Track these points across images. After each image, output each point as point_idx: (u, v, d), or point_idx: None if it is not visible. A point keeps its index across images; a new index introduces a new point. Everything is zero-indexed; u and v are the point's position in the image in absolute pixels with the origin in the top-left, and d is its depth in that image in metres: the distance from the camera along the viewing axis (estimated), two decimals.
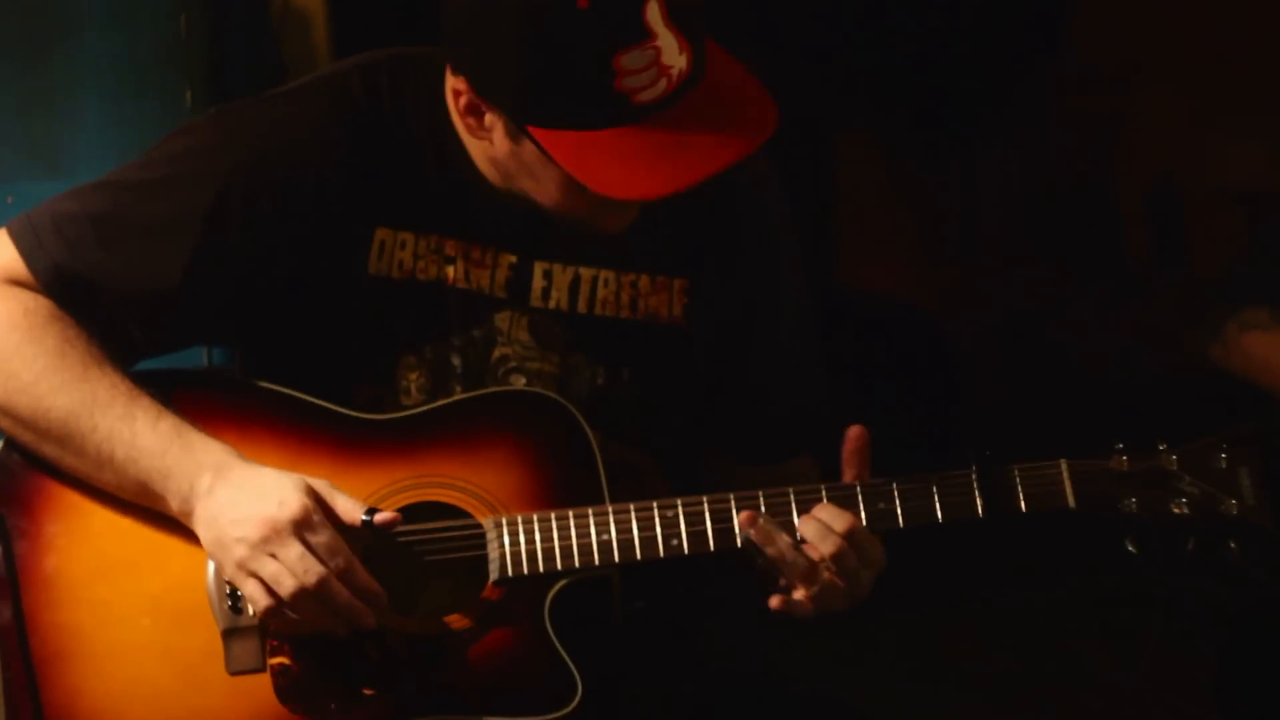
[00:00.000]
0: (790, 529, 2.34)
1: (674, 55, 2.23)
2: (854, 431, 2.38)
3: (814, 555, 2.32)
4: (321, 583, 2.25)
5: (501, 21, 2.24)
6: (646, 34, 2.20)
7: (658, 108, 2.24)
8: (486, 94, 2.31)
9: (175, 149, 2.45)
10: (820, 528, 2.33)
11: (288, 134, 2.43)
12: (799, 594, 2.33)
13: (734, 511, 2.35)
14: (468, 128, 2.38)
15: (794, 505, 2.37)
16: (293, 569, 2.25)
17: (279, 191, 2.41)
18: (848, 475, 2.39)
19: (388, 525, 2.30)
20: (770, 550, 2.32)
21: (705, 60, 2.28)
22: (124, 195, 2.41)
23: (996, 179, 4.44)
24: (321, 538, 2.26)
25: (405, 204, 2.45)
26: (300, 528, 2.25)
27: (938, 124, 4.41)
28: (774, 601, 2.34)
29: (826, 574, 2.32)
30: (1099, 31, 4.29)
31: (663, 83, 2.23)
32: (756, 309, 2.58)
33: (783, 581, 2.34)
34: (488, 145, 2.37)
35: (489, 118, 2.34)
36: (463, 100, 2.35)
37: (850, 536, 2.33)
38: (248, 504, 2.27)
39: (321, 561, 2.26)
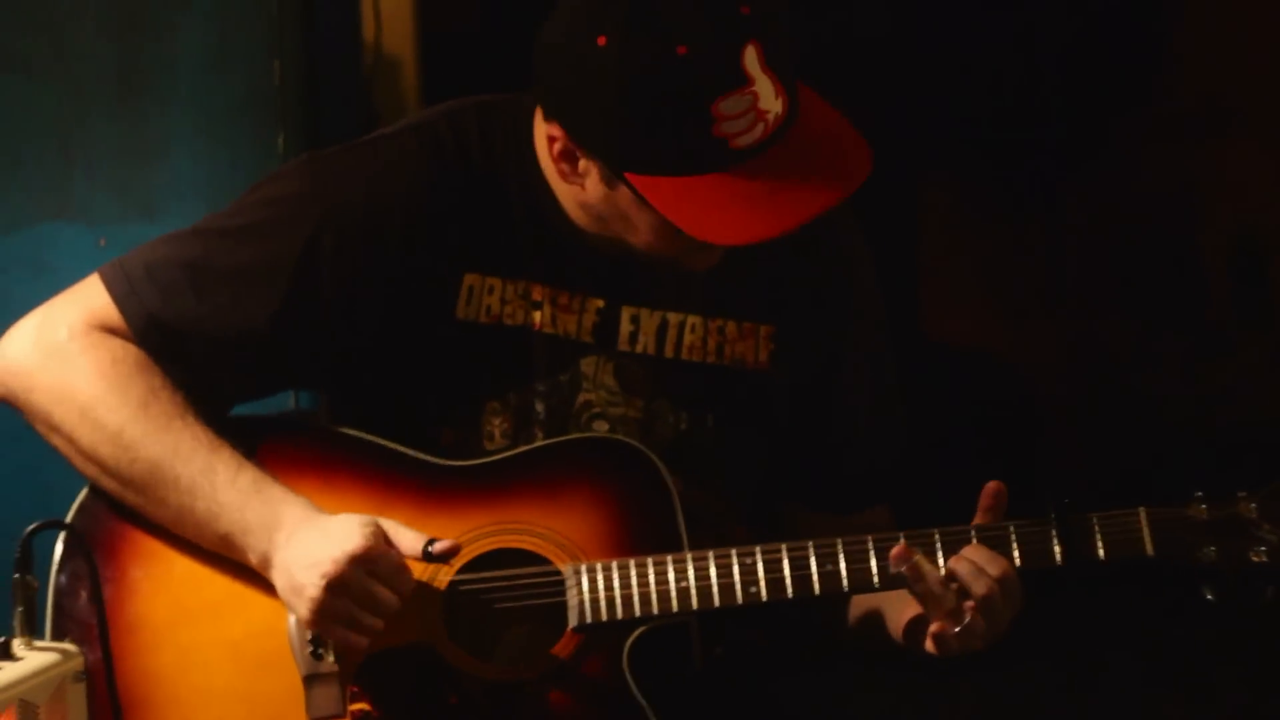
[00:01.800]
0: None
1: (770, 100, 2.24)
2: (995, 488, 2.37)
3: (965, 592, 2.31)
4: (390, 609, 2.29)
5: (600, 68, 2.25)
6: (745, 79, 2.22)
7: (754, 153, 2.26)
8: (582, 140, 2.33)
9: (266, 196, 2.49)
10: (973, 568, 2.31)
11: (377, 181, 2.46)
12: (937, 627, 2.31)
13: (812, 559, 2.35)
14: (561, 173, 2.39)
15: (939, 545, 2.35)
16: (363, 603, 2.28)
17: (368, 238, 2.44)
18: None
19: (447, 553, 2.32)
20: (919, 586, 2.30)
21: (799, 103, 2.29)
22: (216, 242, 2.45)
23: (1081, 229, 4.41)
24: (385, 566, 2.29)
25: (494, 250, 2.48)
26: (363, 561, 2.27)
27: (1022, 173, 4.39)
28: (929, 643, 2.33)
29: (969, 613, 2.31)
30: (1186, 82, 4.26)
31: (759, 127, 2.25)
32: (840, 357, 2.59)
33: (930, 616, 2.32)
34: (579, 190, 2.39)
35: (584, 163, 2.35)
36: (557, 146, 2.36)
37: (1003, 580, 2.32)
38: (316, 549, 2.29)
39: (392, 589, 2.29)
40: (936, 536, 2.36)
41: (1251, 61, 4.28)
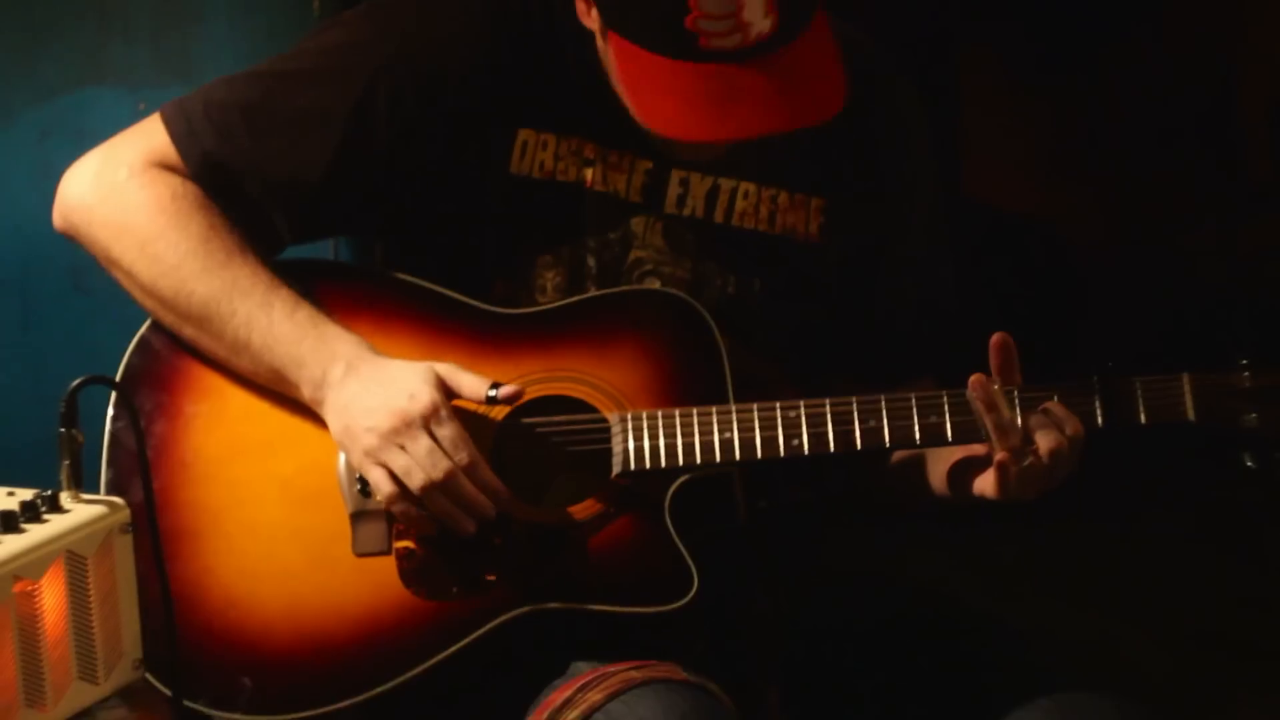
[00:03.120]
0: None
1: (756, 14, 2.24)
2: (999, 338, 2.36)
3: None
4: (449, 476, 2.30)
5: None
6: None
7: (725, 57, 2.25)
8: None
9: (326, 42, 2.50)
10: (1048, 422, 2.32)
11: (436, 33, 2.47)
12: (1003, 457, 2.30)
13: (855, 415, 2.36)
14: (579, 13, 2.40)
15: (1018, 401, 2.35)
16: (420, 462, 2.30)
17: (425, 89, 2.45)
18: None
19: (511, 397, 2.34)
20: (990, 416, 2.30)
21: (797, 29, 2.28)
22: (274, 85, 2.46)
23: (1120, 91, 4.38)
24: (449, 431, 2.30)
25: (549, 106, 2.48)
26: (429, 421, 2.30)
27: (1060, 38, 4.37)
28: (987, 478, 2.34)
29: (1032, 457, 2.31)
30: None
31: (736, 36, 2.24)
32: (892, 231, 2.59)
33: (990, 452, 2.32)
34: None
35: (593, 11, 2.37)
36: None
37: (1074, 440, 2.32)
38: (379, 395, 2.31)
39: (448, 456, 2.30)
40: (1016, 394, 2.35)
41: None
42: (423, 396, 2.30)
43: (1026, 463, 2.31)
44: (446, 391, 2.33)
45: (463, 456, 2.30)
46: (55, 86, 3.21)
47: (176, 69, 3.25)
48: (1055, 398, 2.35)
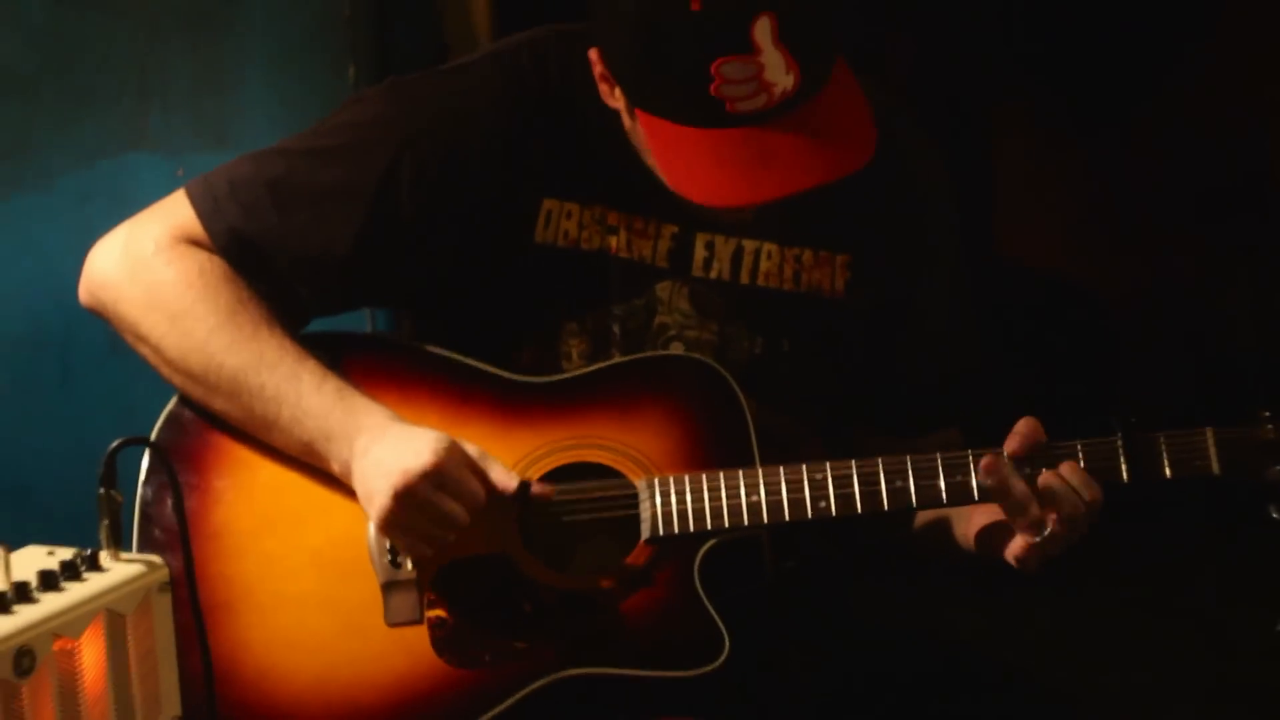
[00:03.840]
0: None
1: (778, 73, 2.25)
2: (1027, 425, 2.37)
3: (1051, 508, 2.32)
4: (459, 520, 2.32)
5: (626, 7, 2.29)
6: (750, 48, 2.23)
7: (754, 120, 2.26)
8: (609, 68, 2.37)
9: (350, 118, 2.52)
10: (1068, 490, 2.33)
11: (460, 107, 2.49)
12: (1022, 542, 2.33)
13: (882, 475, 2.37)
14: (603, 95, 2.42)
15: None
16: (428, 515, 2.31)
17: (450, 163, 2.47)
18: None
19: (542, 498, 2.36)
20: (1006, 501, 2.32)
21: (819, 82, 2.29)
22: (299, 161, 2.49)
23: (1153, 151, 4.39)
24: (456, 485, 2.31)
25: (572, 175, 2.51)
26: (432, 476, 2.30)
27: (1094, 97, 4.38)
28: (1014, 549, 2.35)
29: (1053, 525, 2.32)
30: (1260, 9, 4.23)
31: (762, 97, 2.25)
32: (916, 282, 2.60)
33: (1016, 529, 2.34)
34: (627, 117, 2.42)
35: (617, 90, 2.39)
36: (597, 70, 2.40)
37: (1092, 505, 2.33)
38: (391, 458, 2.32)
39: (463, 504, 2.32)
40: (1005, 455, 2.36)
41: None
42: (426, 453, 2.30)
43: (1047, 533, 2.32)
44: (471, 467, 2.34)
45: (475, 501, 2.32)
46: (95, 152, 3.24)
47: (215, 135, 3.29)
48: (1080, 451, 2.36)
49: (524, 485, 2.36)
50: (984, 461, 2.33)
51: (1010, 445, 2.36)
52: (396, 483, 2.29)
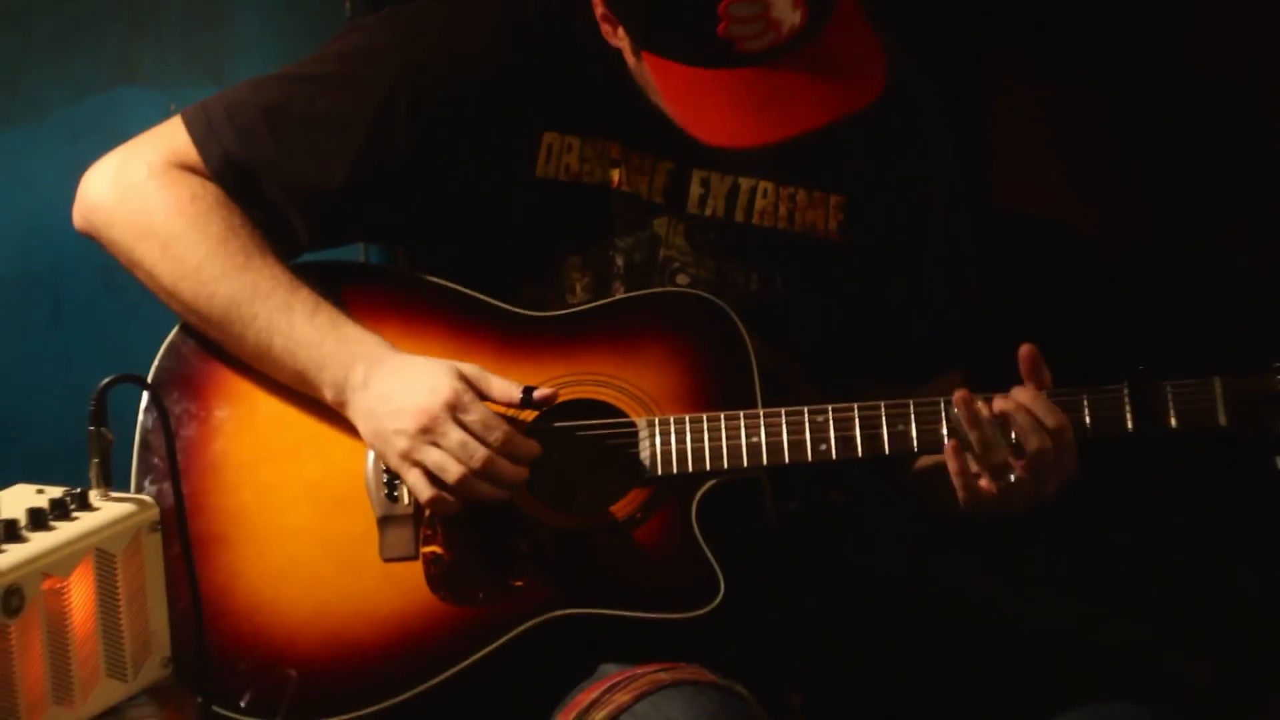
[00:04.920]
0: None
1: (786, 10, 2.23)
2: (1026, 351, 2.35)
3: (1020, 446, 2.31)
4: (486, 462, 2.30)
5: None
6: None
7: (763, 59, 2.25)
8: (615, 10, 2.35)
9: (348, 46, 2.50)
10: (1031, 421, 2.31)
11: (457, 38, 2.47)
12: (985, 483, 2.32)
13: (884, 419, 2.36)
14: (605, 34, 2.40)
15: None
16: (456, 454, 2.30)
17: (446, 94, 2.45)
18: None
19: (546, 401, 2.34)
20: (973, 434, 2.30)
21: (827, 17, 2.27)
22: (296, 88, 2.46)
23: (1151, 102, 4.38)
24: (476, 415, 2.30)
25: (573, 108, 2.48)
26: (454, 410, 2.30)
27: (1092, 45, 4.36)
28: (960, 493, 2.33)
29: (1019, 468, 2.31)
30: None
31: (770, 35, 2.23)
32: (911, 227, 2.59)
33: (973, 468, 2.32)
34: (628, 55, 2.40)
35: (620, 30, 2.37)
36: (599, 10, 2.38)
37: (1058, 435, 2.31)
38: (402, 395, 2.31)
39: (481, 440, 2.30)
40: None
41: None
42: (443, 388, 2.30)
43: (1013, 479, 2.30)
44: (471, 384, 2.33)
45: (497, 435, 2.30)
46: (87, 86, 3.22)
47: (208, 69, 3.27)
48: (1085, 400, 2.34)
49: (527, 391, 2.33)
50: (955, 395, 2.31)
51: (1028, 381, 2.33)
52: (419, 423, 2.29)
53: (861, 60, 2.30)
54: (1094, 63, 4.43)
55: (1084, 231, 4.46)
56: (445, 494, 2.31)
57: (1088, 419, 2.35)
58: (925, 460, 2.48)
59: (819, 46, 2.26)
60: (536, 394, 2.33)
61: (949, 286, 2.62)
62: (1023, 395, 2.33)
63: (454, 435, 2.29)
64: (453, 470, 2.30)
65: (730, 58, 2.24)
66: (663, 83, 2.32)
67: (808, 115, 2.26)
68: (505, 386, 2.34)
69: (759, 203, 2.53)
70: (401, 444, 2.31)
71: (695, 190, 2.53)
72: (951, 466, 2.32)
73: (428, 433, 2.30)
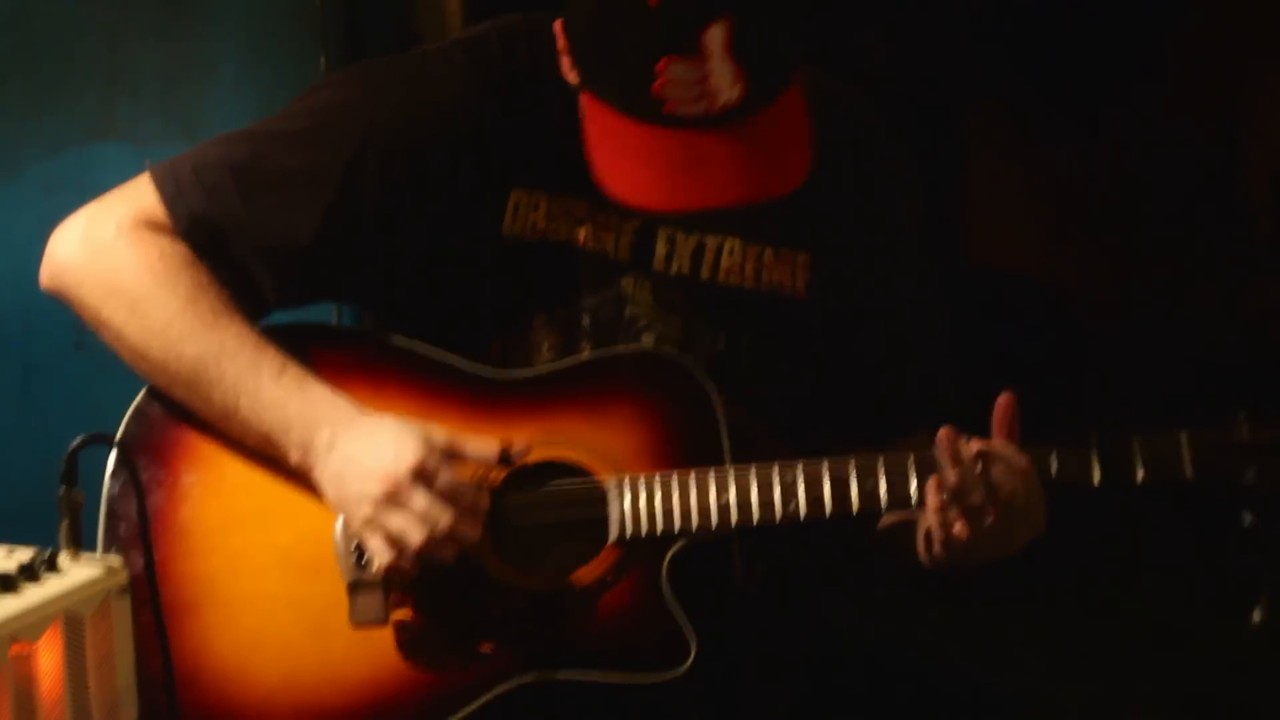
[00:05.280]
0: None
1: (724, 83, 2.22)
2: (1004, 399, 2.35)
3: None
4: (450, 526, 2.29)
5: None
6: (697, 53, 2.20)
7: (691, 124, 2.24)
8: (568, 36, 2.35)
9: (316, 103, 2.49)
10: (1003, 466, 2.30)
11: (426, 95, 2.47)
12: (959, 526, 2.29)
13: (853, 476, 2.35)
14: (564, 69, 2.40)
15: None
16: (422, 518, 2.29)
17: (414, 152, 2.45)
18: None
19: (523, 453, 2.34)
20: (953, 472, 2.28)
21: (766, 99, 2.26)
22: (264, 146, 2.46)
23: (1123, 151, 4.40)
24: (442, 481, 2.30)
25: (539, 165, 2.48)
26: (419, 476, 2.29)
27: (1066, 97, 4.38)
28: (927, 544, 2.33)
29: (990, 517, 2.29)
30: (1226, 8, 4.24)
31: (703, 104, 2.23)
32: (879, 285, 2.58)
33: (939, 519, 2.31)
34: None
35: (575, 67, 2.37)
36: (560, 42, 2.38)
37: (1025, 476, 2.30)
38: (368, 459, 2.31)
39: (446, 505, 2.30)
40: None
41: None
42: (409, 453, 2.29)
43: (988, 520, 2.29)
44: (446, 454, 2.32)
45: (465, 500, 2.30)
46: (62, 142, 3.22)
47: (184, 125, 3.27)
48: (1053, 453, 2.34)
49: (504, 450, 2.34)
50: (942, 431, 2.30)
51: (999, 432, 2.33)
52: (384, 489, 2.28)
53: (789, 150, 2.30)
54: (1069, 115, 4.44)
55: (1054, 285, 4.47)
56: (404, 559, 2.31)
57: (1054, 470, 2.34)
58: (890, 517, 2.48)
59: (751, 126, 2.25)
60: (514, 449, 2.34)
61: (918, 345, 2.62)
62: (993, 440, 2.33)
63: (419, 501, 2.29)
64: (415, 536, 2.29)
65: (658, 116, 2.24)
66: (591, 125, 2.32)
67: (720, 192, 2.26)
68: (481, 446, 2.34)
69: (725, 260, 2.53)
70: (365, 509, 2.30)
71: (661, 248, 2.52)
72: (929, 503, 2.31)
73: (392, 498, 2.29)
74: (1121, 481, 2.35)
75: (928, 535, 2.36)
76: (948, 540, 2.31)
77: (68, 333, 3.04)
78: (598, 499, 2.38)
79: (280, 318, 2.52)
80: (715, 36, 2.20)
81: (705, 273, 2.53)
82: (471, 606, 2.36)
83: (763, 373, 2.53)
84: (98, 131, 3.25)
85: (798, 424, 2.57)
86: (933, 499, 2.30)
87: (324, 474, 2.35)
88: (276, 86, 3.29)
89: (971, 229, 4.41)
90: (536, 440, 2.40)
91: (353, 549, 2.36)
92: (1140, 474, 2.35)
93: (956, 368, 2.64)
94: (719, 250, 2.53)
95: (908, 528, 2.47)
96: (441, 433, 2.34)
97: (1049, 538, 2.36)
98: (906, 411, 2.60)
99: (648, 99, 2.23)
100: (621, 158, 2.29)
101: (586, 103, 2.33)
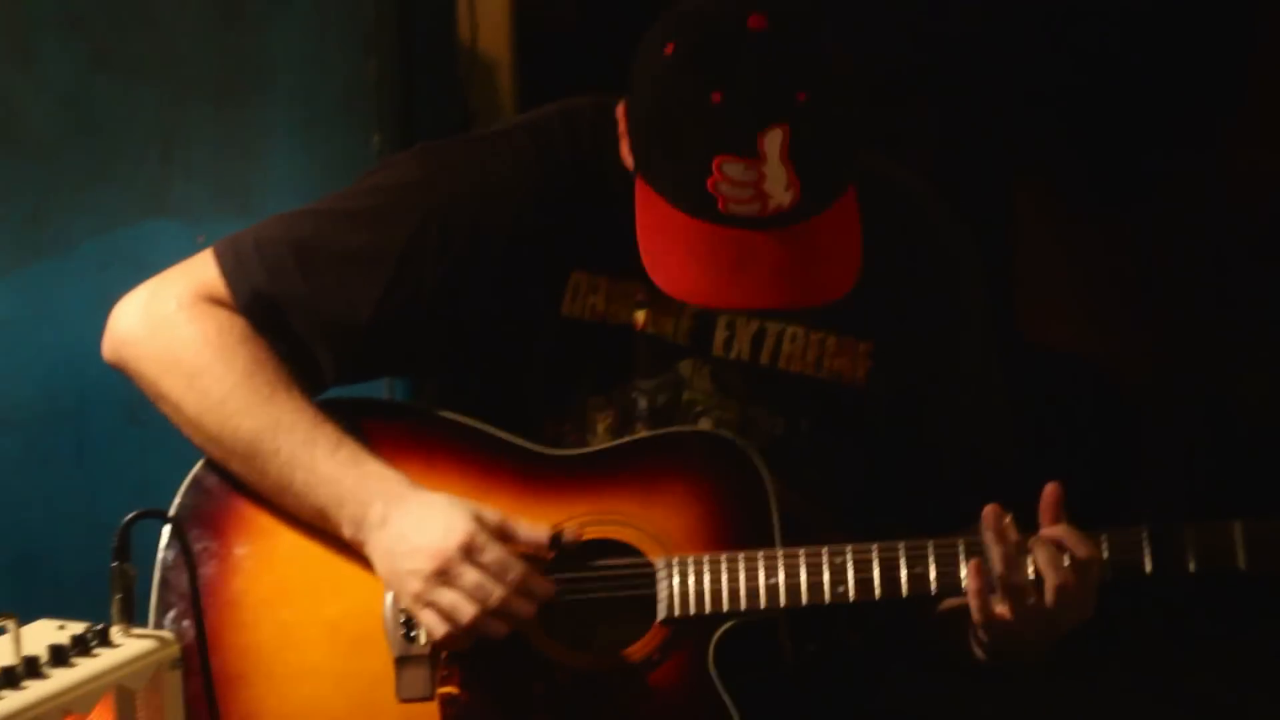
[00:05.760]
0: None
1: (778, 187, 2.24)
2: (1051, 487, 2.34)
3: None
4: (502, 603, 2.30)
5: (652, 71, 2.30)
6: (755, 154, 2.22)
7: (742, 224, 2.26)
8: (630, 122, 2.38)
9: (379, 182, 2.52)
10: (1053, 554, 2.29)
11: (489, 176, 2.49)
12: (1001, 607, 2.28)
13: (902, 560, 2.35)
14: (624, 153, 2.42)
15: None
16: (470, 595, 2.30)
17: (476, 233, 2.47)
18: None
19: (575, 539, 2.35)
20: (998, 549, 2.27)
21: (819, 209, 2.28)
22: (325, 224, 2.49)
23: (1177, 231, 4.38)
24: (491, 557, 2.31)
25: (601, 248, 2.50)
26: (469, 552, 2.30)
27: (1116, 175, 4.37)
28: (975, 615, 2.31)
29: (1034, 599, 2.28)
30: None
31: (755, 205, 2.25)
32: (942, 375, 2.58)
33: (978, 602, 2.29)
34: None
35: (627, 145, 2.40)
36: (621, 125, 2.42)
37: (1086, 567, 2.29)
38: (418, 535, 2.32)
39: (498, 580, 2.30)
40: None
41: None
42: (459, 530, 2.31)
43: (1030, 601, 2.28)
44: (496, 533, 2.33)
45: (513, 577, 2.31)
46: (116, 218, 3.24)
47: (237, 203, 3.28)
48: (1104, 541, 2.33)
49: (556, 536, 2.35)
50: (987, 509, 2.29)
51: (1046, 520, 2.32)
52: (434, 565, 2.30)
53: (837, 258, 2.31)
54: (1119, 193, 4.43)
55: (1105, 366, 4.45)
56: (458, 634, 2.31)
57: (1106, 558, 2.33)
58: (942, 604, 2.48)
59: (800, 231, 2.27)
60: (565, 536, 2.35)
61: (979, 436, 2.60)
62: (1054, 529, 2.31)
63: (469, 577, 2.30)
64: (466, 611, 2.30)
65: (711, 213, 2.26)
66: (642, 212, 2.34)
67: (765, 295, 2.28)
68: (532, 530, 2.35)
69: (786, 346, 2.54)
70: (415, 585, 2.31)
71: (721, 333, 2.54)
72: (970, 586, 2.30)
73: (442, 574, 2.30)
74: (1173, 572, 2.34)
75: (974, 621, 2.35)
76: (990, 623, 2.30)
77: (122, 407, 3.06)
78: (647, 578, 2.39)
79: (334, 392, 2.54)
80: (774, 140, 2.22)
81: (765, 358, 2.54)
82: (517, 683, 2.36)
83: (821, 458, 2.54)
84: (151, 208, 3.26)
85: (856, 510, 2.56)
86: (972, 581, 2.30)
87: (376, 549, 2.36)
88: (330, 164, 3.31)
89: (1022, 309, 4.39)
90: (588, 519, 2.41)
91: (401, 623, 2.37)
92: (1192, 565, 2.34)
93: (1019, 453, 2.62)
94: (780, 336, 2.54)
95: (958, 615, 2.45)
96: (494, 513, 2.35)
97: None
98: (966, 502, 2.57)
99: (703, 194, 2.25)
100: (670, 250, 2.31)
101: (640, 190, 2.35)
